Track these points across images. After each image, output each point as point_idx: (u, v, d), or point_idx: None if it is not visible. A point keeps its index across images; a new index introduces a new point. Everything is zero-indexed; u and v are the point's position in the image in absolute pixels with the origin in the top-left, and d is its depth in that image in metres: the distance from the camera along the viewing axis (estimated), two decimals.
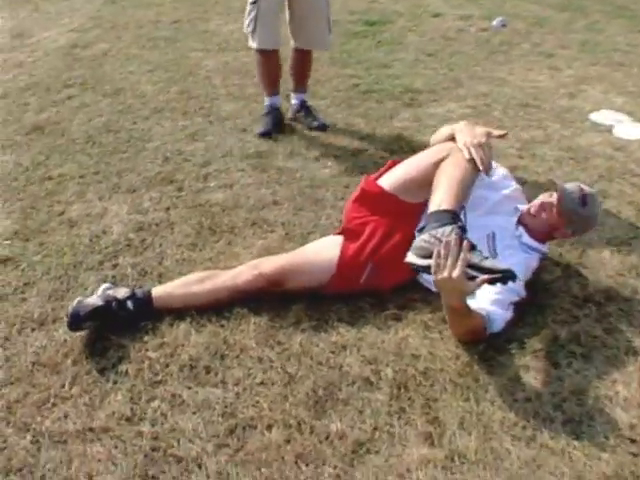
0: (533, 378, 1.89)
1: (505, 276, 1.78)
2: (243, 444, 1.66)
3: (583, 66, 4.74)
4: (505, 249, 2.18)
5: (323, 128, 3.55)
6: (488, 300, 2.01)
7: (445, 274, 1.76)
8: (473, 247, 1.82)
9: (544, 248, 2.29)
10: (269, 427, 1.71)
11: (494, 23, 5.93)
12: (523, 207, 2.32)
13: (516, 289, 2.09)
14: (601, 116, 3.84)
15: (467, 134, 2.15)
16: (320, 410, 1.76)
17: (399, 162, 2.33)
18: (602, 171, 3.14)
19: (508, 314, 2.05)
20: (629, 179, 3.08)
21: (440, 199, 1.97)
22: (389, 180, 2.25)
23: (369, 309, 2.15)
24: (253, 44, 3.41)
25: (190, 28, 5.66)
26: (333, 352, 1.97)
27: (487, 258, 1.82)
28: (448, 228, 1.84)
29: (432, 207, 1.97)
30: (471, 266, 1.77)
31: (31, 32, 5.55)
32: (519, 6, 6.83)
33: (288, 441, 1.66)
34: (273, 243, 2.50)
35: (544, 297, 2.24)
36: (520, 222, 2.28)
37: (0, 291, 2.26)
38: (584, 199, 2.19)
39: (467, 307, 1.88)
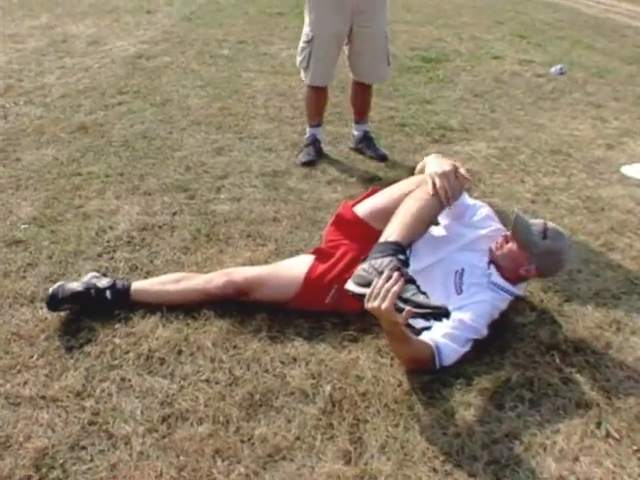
0: (471, 415, 1.91)
1: (436, 312, 1.81)
2: (171, 432, 1.77)
3: (631, 119, 4.68)
4: (471, 286, 2.21)
5: (383, 158, 3.67)
6: (441, 333, 2.04)
7: (375, 304, 1.81)
8: (411, 281, 1.86)
9: (515, 290, 2.29)
10: (200, 421, 1.81)
11: (552, 70, 5.92)
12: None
13: (476, 327, 2.12)
14: (633, 169, 3.78)
15: (435, 165, 2.19)
16: (252, 413, 1.85)
17: (379, 190, 2.40)
18: (614, 224, 3.11)
19: (462, 349, 2.07)
20: None
21: (390, 231, 2.03)
22: (364, 207, 2.33)
23: (330, 328, 2.22)
24: (305, 80, 3.55)
25: (252, 49, 5.91)
26: (282, 362, 2.05)
27: (423, 293, 1.85)
28: (387, 259, 1.90)
29: (382, 238, 2.03)
30: (403, 300, 1.81)
31: (106, 40, 5.94)
32: (585, 55, 6.78)
33: (211, 436, 1.75)
34: (260, 256, 2.61)
35: (509, 339, 2.24)
36: (492, 262, 2.31)
37: (6, 268, 2.47)
38: (545, 232, 2.20)
39: (404, 333, 1.92)
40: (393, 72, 5.13)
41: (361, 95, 3.71)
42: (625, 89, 5.53)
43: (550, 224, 2.27)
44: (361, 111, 3.78)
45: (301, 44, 3.48)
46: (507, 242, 2.27)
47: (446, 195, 2.12)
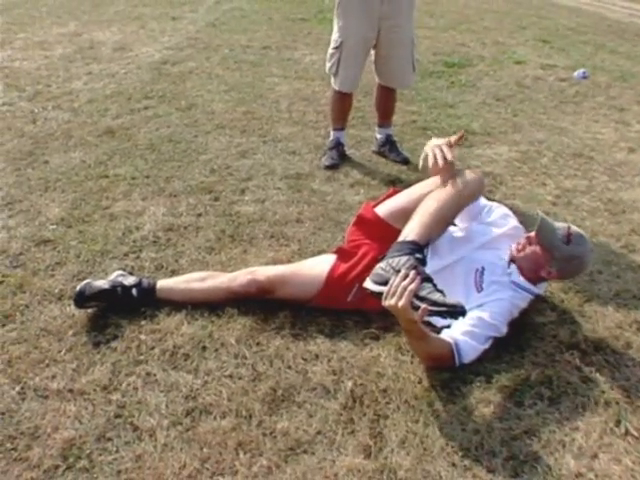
0: (490, 412, 1.93)
1: (452, 310, 1.85)
2: (195, 425, 1.81)
3: None
4: (491, 284, 2.23)
5: (406, 161, 3.72)
6: (460, 330, 2.07)
7: (392, 302, 1.85)
8: (427, 279, 1.90)
9: (535, 289, 2.30)
10: (223, 415, 1.85)
11: (575, 74, 5.90)
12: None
13: (496, 325, 2.14)
14: None
15: (431, 143, 2.33)
16: (274, 408, 1.89)
17: (399, 191, 2.44)
18: (635, 226, 3.11)
19: (482, 347, 2.10)
20: None
21: (409, 230, 2.07)
22: (385, 208, 2.37)
23: (352, 326, 2.26)
24: (334, 85, 3.61)
25: (276, 55, 5.98)
26: (304, 359, 2.09)
27: (439, 292, 1.88)
28: (404, 258, 1.94)
29: (400, 237, 2.07)
30: (420, 298, 1.85)
31: (132, 47, 6.04)
32: (608, 59, 6.75)
33: (234, 429, 1.80)
34: (283, 256, 2.66)
35: (529, 338, 2.26)
36: (514, 260, 2.32)
37: (35, 267, 2.54)
38: (569, 237, 2.21)
39: (422, 330, 1.95)
40: (416, 76, 5.19)
41: (385, 99, 3.75)
42: None
43: (574, 228, 2.28)
44: (385, 115, 3.83)
45: (330, 50, 3.54)
46: (530, 244, 2.28)
47: (441, 161, 2.23)
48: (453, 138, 2.36)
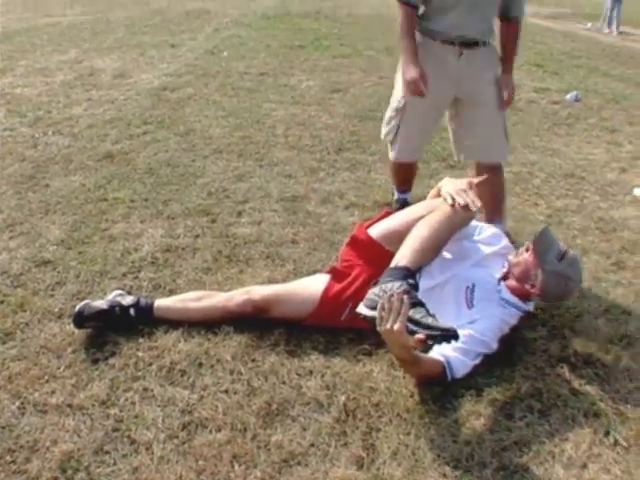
0: (481, 424, 1.97)
1: (445, 334, 1.91)
2: (191, 438, 1.85)
3: None
4: (482, 301, 2.27)
5: None
6: (451, 347, 2.11)
7: (387, 326, 1.89)
8: (419, 304, 1.95)
9: (524, 306, 2.35)
10: (218, 428, 1.88)
11: (568, 97, 6.01)
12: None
13: (486, 341, 2.19)
14: None
15: (449, 185, 2.31)
16: (268, 421, 1.92)
17: (392, 212, 2.50)
18: (626, 243, 3.17)
19: (472, 362, 2.14)
20: None
21: (401, 256, 2.12)
22: (378, 230, 2.42)
23: (345, 342, 2.30)
24: (390, 154, 3.14)
25: (273, 81, 6.09)
26: (299, 374, 2.13)
27: (432, 316, 1.93)
28: (397, 284, 1.98)
29: (393, 263, 2.12)
30: (413, 321, 1.90)
31: (131, 73, 6.16)
32: (601, 82, 6.87)
33: (229, 442, 1.83)
34: (279, 276, 2.71)
35: (520, 353, 2.30)
36: (504, 279, 2.37)
37: (35, 286, 2.59)
38: (563, 254, 2.26)
39: (414, 356, 2.01)
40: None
41: (488, 186, 2.69)
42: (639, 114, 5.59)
43: (572, 252, 2.33)
44: (491, 206, 2.98)
45: (389, 112, 3.03)
46: (527, 251, 2.34)
47: (470, 205, 2.20)
48: (476, 180, 2.34)
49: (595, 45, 11.59)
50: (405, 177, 3.34)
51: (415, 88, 2.77)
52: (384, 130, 3.09)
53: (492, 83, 2.91)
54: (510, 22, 2.90)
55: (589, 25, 14.94)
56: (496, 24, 2.92)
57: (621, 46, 11.88)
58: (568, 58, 9.27)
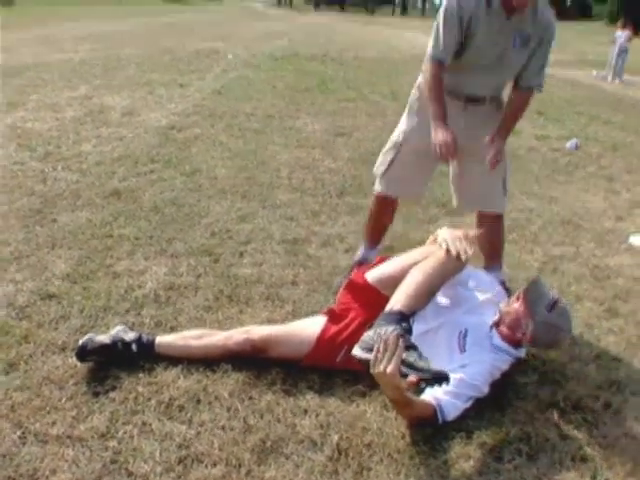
0: (470, 466, 2.01)
1: (437, 377, 2.00)
2: (187, 472, 1.90)
3: None
4: (474, 346, 2.33)
5: None
6: (443, 389, 2.16)
7: (380, 368, 1.97)
8: (413, 347, 2.03)
9: (515, 352, 2.40)
10: (214, 463, 1.94)
11: (568, 144, 6.14)
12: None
13: (477, 385, 2.24)
14: None
15: (446, 233, 2.40)
16: (263, 458, 1.97)
17: (388, 258, 2.58)
18: (619, 291, 3.23)
19: (463, 405, 2.19)
20: None
21: (396, 300, 2.20)
22: (374, 274, 2.50)
23: (340, 383, 2.36)
24: (377, 187, 3.09)
25: (278, 123, 6.24)
26: (294, 413, 2.18)
27: (424, 359, 2.02)
28: (391, 327, 2.07)
29: (388, 307, 2.20)
30: (406, 364, 1.98)
31: (140, 112, 6.33)
32: (602, 130, 7.01)
33: (224, 477, 1.88)
34: (278, 317, 2.77)
35: (510, 398, 2.35)
36: (496, 325, 2.44)
37: (40, 319, 2.66)
38: (554, 305, 2.33)
39: (406, 398, 2.08)
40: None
41: (485, 231, 2.83)
42: (639, 162, 5.71)
43: (562, 302, 2.41)
44: (489, 254, 3.11)
45: (387, 145, 3.05)
46: (517, 300, 2.41)
47: (462, 255, 2.28)
48: (471, 233, 2.43)
49: (597, 92, 11.81)
50: (382, 221, 3.20)
51: (446, 151, 2.65)
52: (378, 161, 3.08)
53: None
54: (522, 90, 2.83)
55: (595, 73, 15.29)
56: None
57: (623, 94, 12.09)
58: (569, 105, 9.46)
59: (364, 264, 2.96)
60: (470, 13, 2.62)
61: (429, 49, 2.73)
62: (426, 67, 2.76)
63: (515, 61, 2.75)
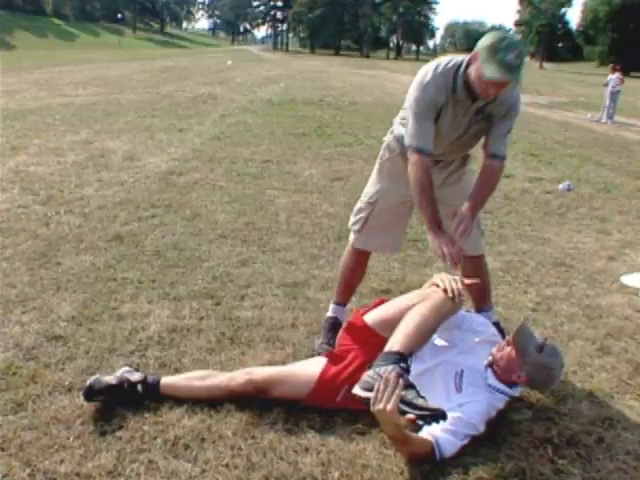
0: None
1: (434, 414, 2.08)
2: None
3: (634, 232, 4.97)
4: (470, 386, 2.42)
5: None
6: (440, 427, 2.24)
7: (380, 406, 2.06)
8: (411, 386, 2.13)
9: (510, 391, 2.48)
10: None
11: (560, 187, 6.29)
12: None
13: (474, 424, 2.32)
14: (632, 279, 4.02)
15: (443, 275, 2.52)
16: None
17: (386, 300, 2.68)
18: (611, 329, 3.32)
19: (460, 443, 2.26)
20: (638, 339, 3.24)
21: (394, 341, 2.30)
22: (372, 316, 2.59)
23: (340, 422, 2.42)
24: (355, 242, 3.05)
25: (276, 168, 6.38)
26: (295, 451, 2.24)
27: (422, 397, 2.11)
28: (390, 367, 2.16)
29: (386, 347, 2.29)
30: (405, 402, 2.07)
31: (140, 156, 6.47)
32: (593, 171, 7.17)
33: None
34: (279, 359, 2.84)
35: (505, 434, 2.42)
36: (491, 365, 2.52)
37: (46, 360, 2.72)
38: (542, 346, 2.42)
39: (405, 435, 2.15)
40: None
41: (472, 276, 2.74)
42: (630, 203, 5.85)
43: (550, 341, 2.51)
44: (478, 297, 3.10)
45: (359, 204, 3.03)
46: (508, 345, 2.50)
47: (455, 294, 2.40)
48: (467, 281, 2.54)
49: (588, 134, 12.06)
50: (355, 275, 3.14)
51: (457, 259, 2.56)
52: (352, 219, 3.05)
53: (464, 187, 2.87)
54: (490, 159, 2.70)
55: (589, 116, 15.73)
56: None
57: (614, 135, 12.35)
58: (562, 147, 9.66)
59: (338, 326, 2.91)
60: (441, 104, 2.62)
61: (409, 139, 2.66)
62: (412, 160, 2.64)
63: (479, 131, 2.73)
